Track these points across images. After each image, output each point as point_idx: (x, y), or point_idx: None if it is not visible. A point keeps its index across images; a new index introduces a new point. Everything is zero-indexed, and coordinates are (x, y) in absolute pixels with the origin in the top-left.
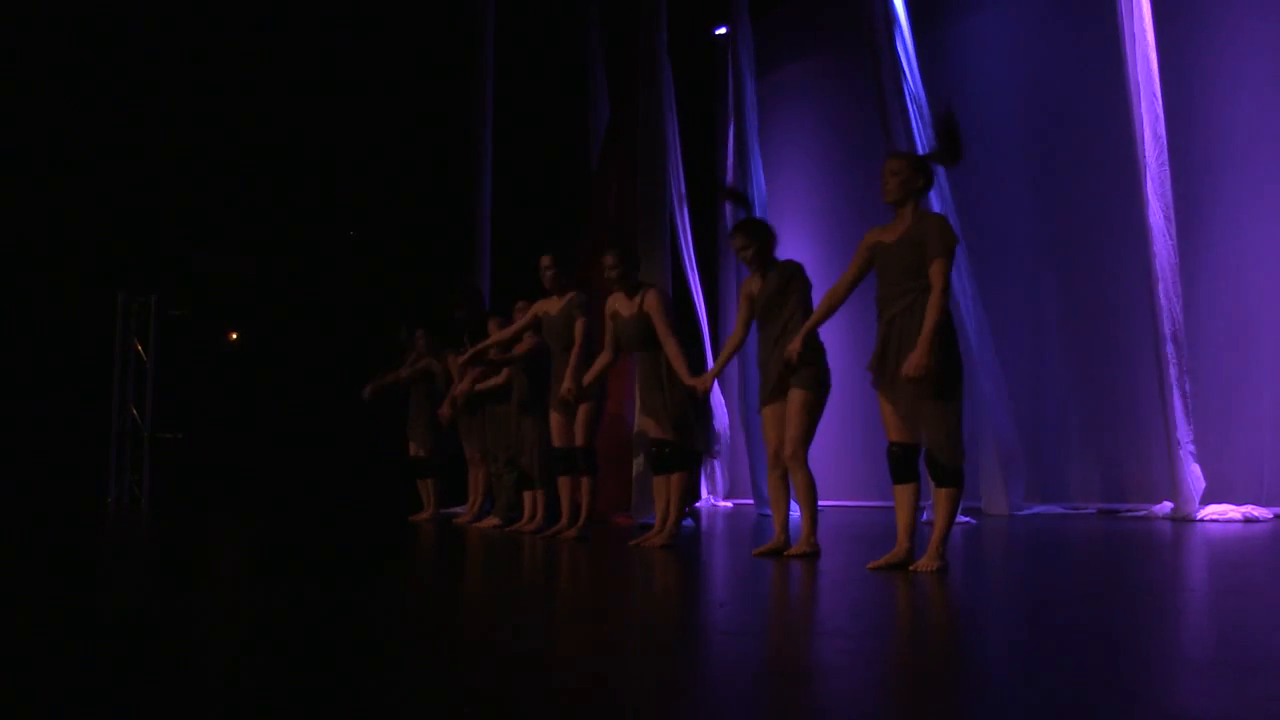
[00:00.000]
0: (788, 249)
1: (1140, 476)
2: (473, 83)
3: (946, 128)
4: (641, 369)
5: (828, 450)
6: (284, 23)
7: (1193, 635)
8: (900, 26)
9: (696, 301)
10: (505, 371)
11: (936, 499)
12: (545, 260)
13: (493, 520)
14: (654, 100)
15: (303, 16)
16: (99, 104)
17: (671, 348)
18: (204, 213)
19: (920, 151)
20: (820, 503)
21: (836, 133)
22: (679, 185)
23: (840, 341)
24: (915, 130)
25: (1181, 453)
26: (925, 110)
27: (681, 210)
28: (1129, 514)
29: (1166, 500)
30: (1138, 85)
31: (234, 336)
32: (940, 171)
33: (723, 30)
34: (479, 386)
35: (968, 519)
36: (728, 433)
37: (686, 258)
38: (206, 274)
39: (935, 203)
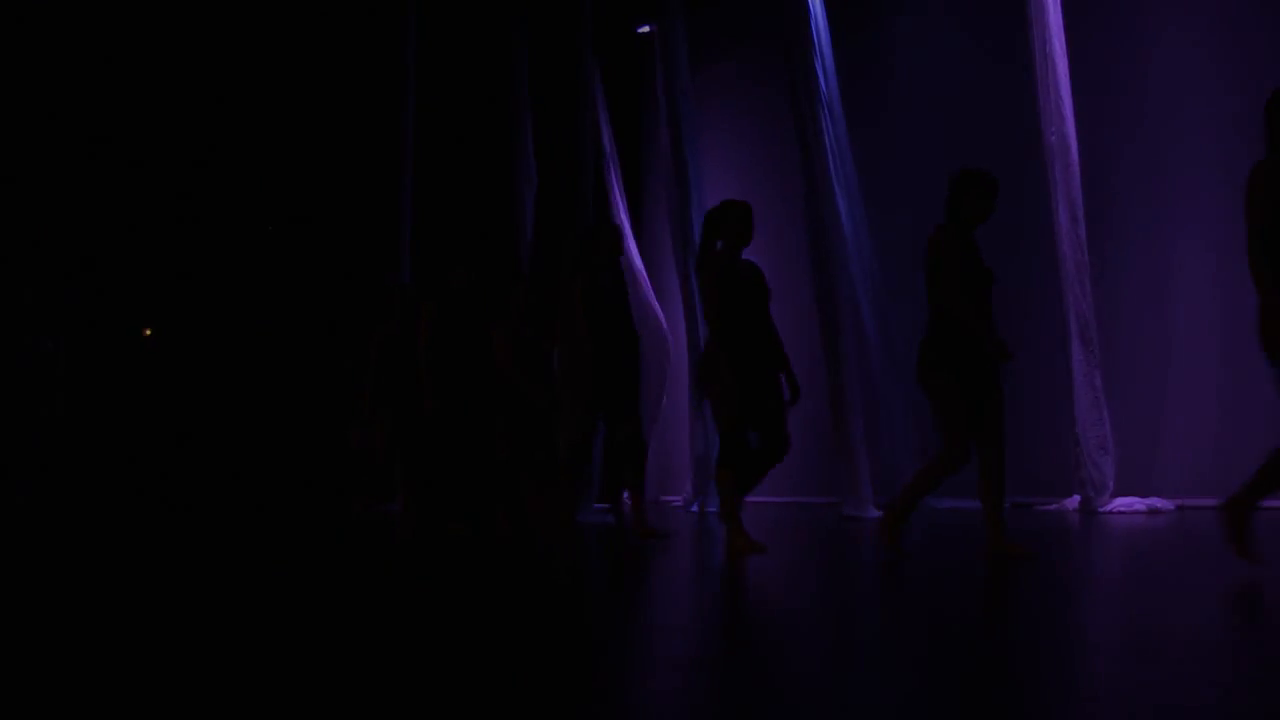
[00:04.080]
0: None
1: (1051, 470)
2: (394, 77)
3: None
4: (756, 342)
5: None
6: (205, 15)
7: (1095, 622)
8: (816, 32)
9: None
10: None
11: None
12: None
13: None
14: (581, 99)
15: (224, 9)
16: (4, 88)
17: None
18: (117, 206)
19: (829, 150)
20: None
21: (768, 131)
22: (618, 184)
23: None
24: (826, 135)
25: (1087, 447)
26: (839, 116)
27: (622, 204)
28: (1040, 507)
29: (1076, 494)
30: (1045, 86)
31: (148, 332)
32: (851, 172)
33: (646, 29)
34: None
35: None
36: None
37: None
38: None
39: (841, 203)
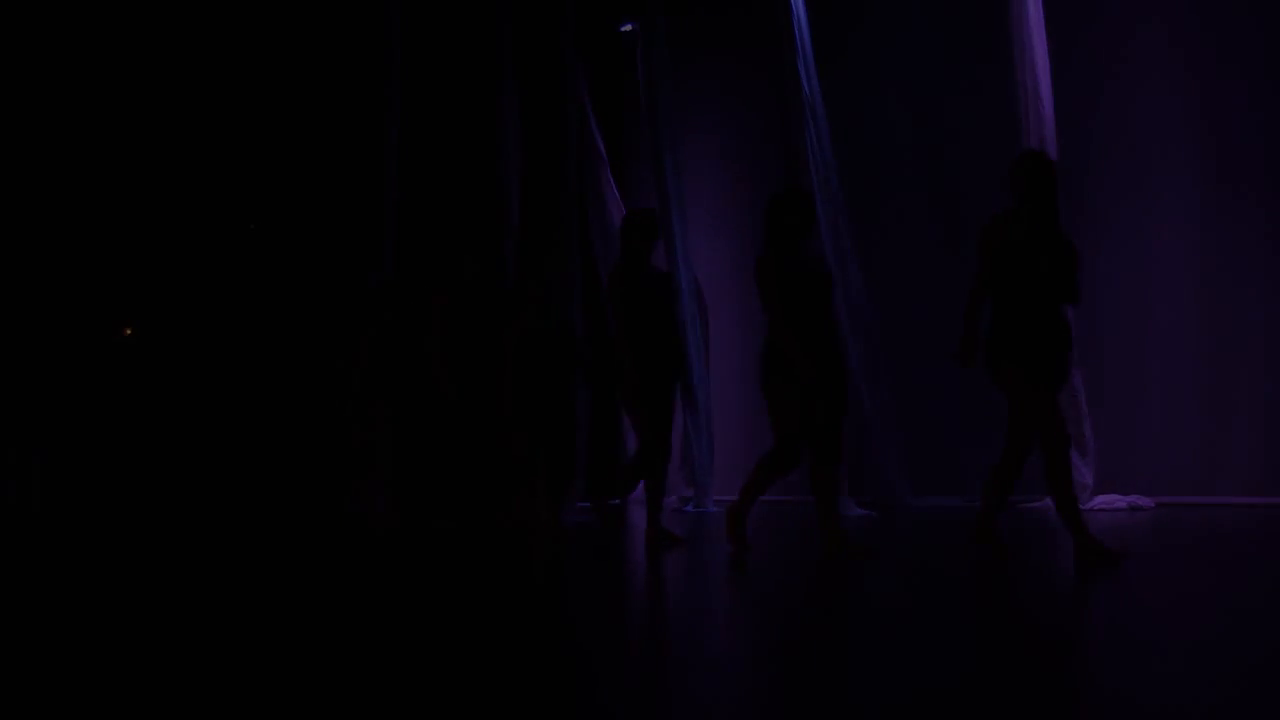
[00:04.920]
0: (701, 249)
1: (1032, 469)
2: (377, 74)
3: None
4: (816, 338)
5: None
6: (183, 8)
7: (1085, 620)
8: (799, 32)
9: None
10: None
11: None
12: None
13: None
14: (565, 95)
15: (205, 4)
16: None
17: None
18: (96, 204)
19: (810, 153)
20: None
21: (749, 129)
22: (610, 179)
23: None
24: (809, 135)
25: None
26: (821, 118)
27: (616, 200)
28: (1023, 505)
29: None
30: (1026, 90)
31: (128, 331)
32: (834, 173)
33: (628, 27)
34: None
35: (866, 511)
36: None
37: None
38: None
39: (821, 204)
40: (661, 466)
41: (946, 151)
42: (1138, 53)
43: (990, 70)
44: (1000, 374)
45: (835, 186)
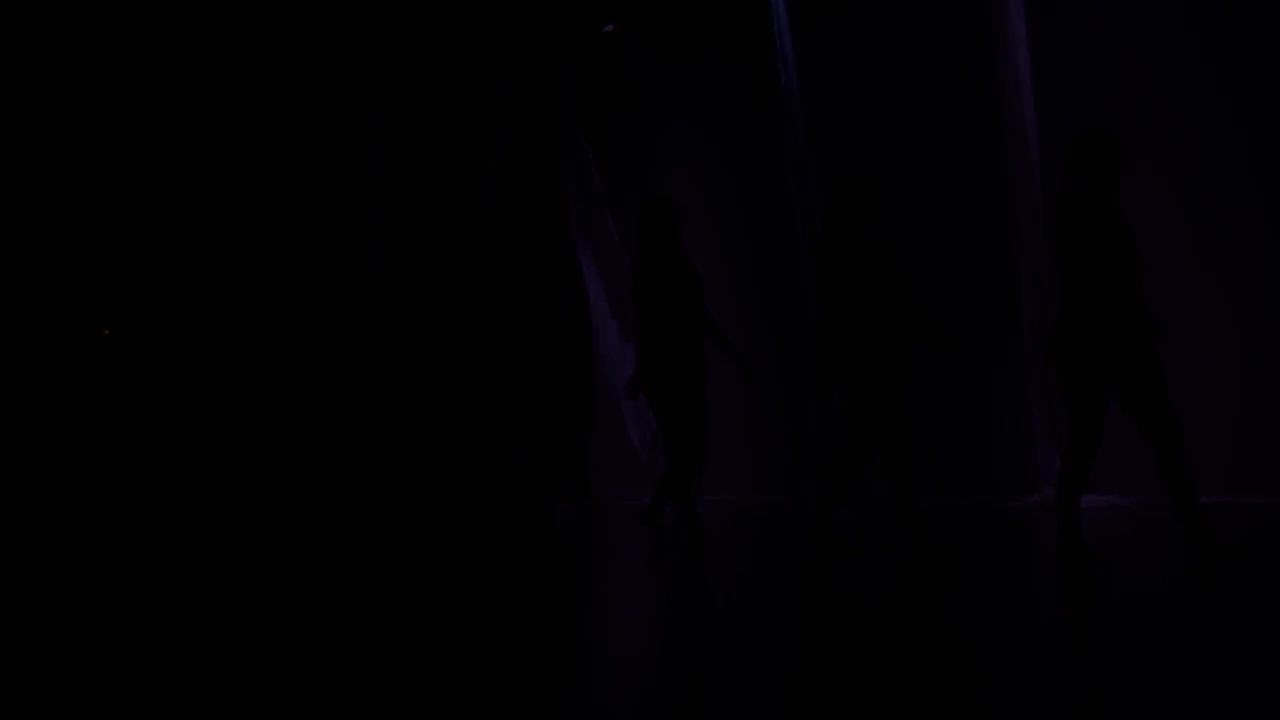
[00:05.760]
0: (688, 250)
1: (1013, 468)
2: (361, 79)
3: None
4: (873, 326)
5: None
6: (166, 11)
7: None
8: (779, 32)
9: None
10: None
11: None
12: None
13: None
14: (551, 97)
15: (187, 15)
16: None
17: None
18: (79, 204)
19: (788, 149)
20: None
21: (733, 128)
22: (596, 185)
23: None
24: (788, 135)
25: (1043, 446)
26: (800, 115)
27: (595, 183)
28: (1003, 505)
29: (1036, 492)
30: (1007, 87)
31: (106, 333)
32: (813, 173)
33: (609, 28)
34: None
35: (843, 511)
36: None
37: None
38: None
39: (797, 203)
40: (688, 463)
41: (927, 150)
42: (1125, 42)
43: (972, 68)
44: (1056, 366)
45: (812, 187)
